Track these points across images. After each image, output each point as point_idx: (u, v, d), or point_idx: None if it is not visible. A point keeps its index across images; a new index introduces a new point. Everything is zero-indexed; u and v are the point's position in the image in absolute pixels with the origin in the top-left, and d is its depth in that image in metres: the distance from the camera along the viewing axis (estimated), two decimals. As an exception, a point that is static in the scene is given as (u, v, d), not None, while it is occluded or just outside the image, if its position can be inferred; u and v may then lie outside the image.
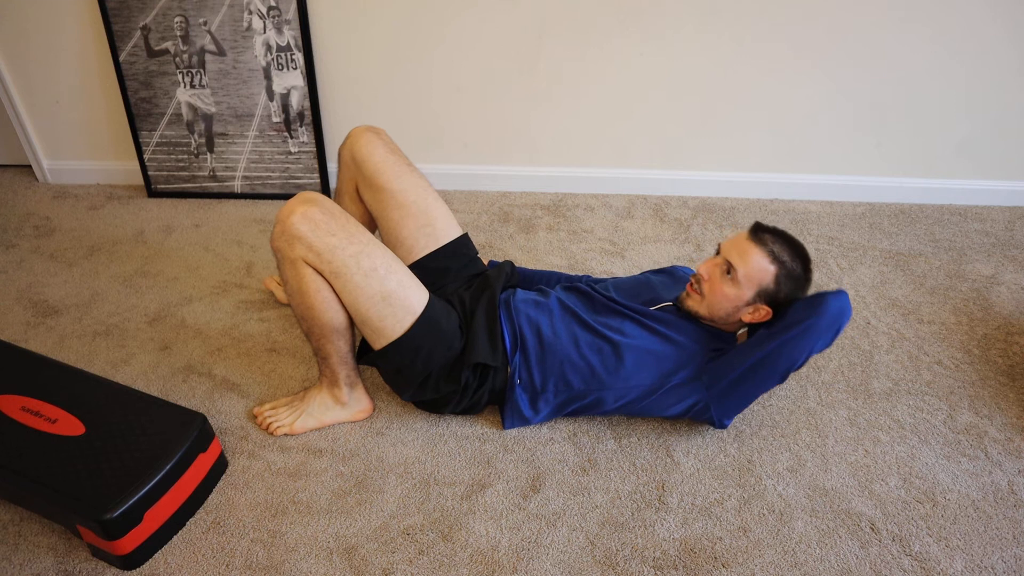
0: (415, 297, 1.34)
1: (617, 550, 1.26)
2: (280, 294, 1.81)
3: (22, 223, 2.16)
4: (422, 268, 1.50)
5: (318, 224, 1.25)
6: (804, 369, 1.64)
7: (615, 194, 2.30)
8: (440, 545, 1.27)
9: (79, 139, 2.27)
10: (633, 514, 1.32)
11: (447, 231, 1.53)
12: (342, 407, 1.48)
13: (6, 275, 1.94)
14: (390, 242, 1.53)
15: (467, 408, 1.46)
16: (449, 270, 1.53)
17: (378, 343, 1.36)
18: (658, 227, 2.14)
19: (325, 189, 2.23)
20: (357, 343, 1.47)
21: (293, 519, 1.31)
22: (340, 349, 1.40)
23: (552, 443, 1.46)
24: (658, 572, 1.23)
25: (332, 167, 2.26)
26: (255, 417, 1.50)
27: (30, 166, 2.41)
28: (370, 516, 1.32)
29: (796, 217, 2.19)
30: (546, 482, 1.38)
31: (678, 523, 1.31)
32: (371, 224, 1.61)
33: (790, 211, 2.22)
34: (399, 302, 1.31)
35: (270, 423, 1.47)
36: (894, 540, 1.28)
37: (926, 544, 1.27)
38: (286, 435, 1.47)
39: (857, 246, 2.07)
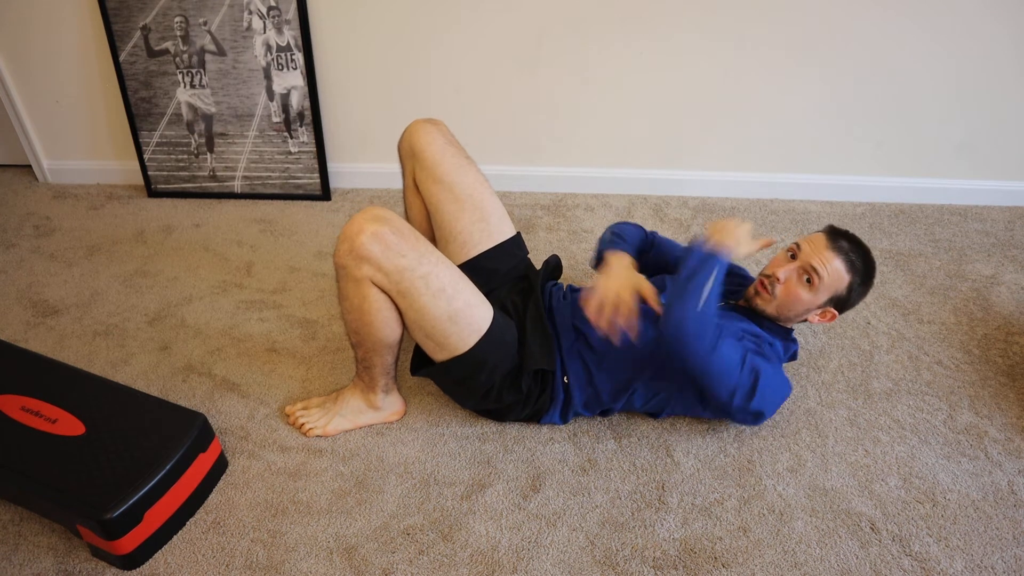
0: (480, 315, 1.32)
1: (617, 550, 1.26)
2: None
3: (22, 223, 2.16)
4: (474, 268, 1.48)
5: (389, 245, 1.21)
6: (804, 369, 1.64)
7: (615, 194, 2.30)
8: (440, 545, 1.27)
9: (79, 139, 2.27)
10: (633, 514, 1.32)
11: (501, 228, 1.52)
12: (376, 411, 1.48)
13: (6, 275, 1.94)
14: (444, 236, 1.51)
15: (531, 415, 1.45)
16: (499, 271, 1.51)
17: (440, 356, 1.34)
18: (658, 227, 2.14)
19: (325, 189, 2.23)
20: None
21: (293, 519, 1.31)
22: (386, 361, 1.40)
23: (552, 443, 1.46)
24: (658, 572, 1.23)
25: (332, 167, 2.26)
26: (287, 416, 1.50)
27: (30, 166, 2.41)
28: (370, 516, 1.32)
29: (796, 217, 2.19)
30: (546, 482, 1.38)
31: (678, 523, 1.31)
32: (427, 217, 1.57)
33: (790, 211, 2.22)
34: (465, 321, 1.30)
35: (303, 423, 1.47)
36: (894, 540, 1.28)
37: (926, 544, 1.27)
38: (319, 436, 1.46)
39: (857, 246, 2.07)
